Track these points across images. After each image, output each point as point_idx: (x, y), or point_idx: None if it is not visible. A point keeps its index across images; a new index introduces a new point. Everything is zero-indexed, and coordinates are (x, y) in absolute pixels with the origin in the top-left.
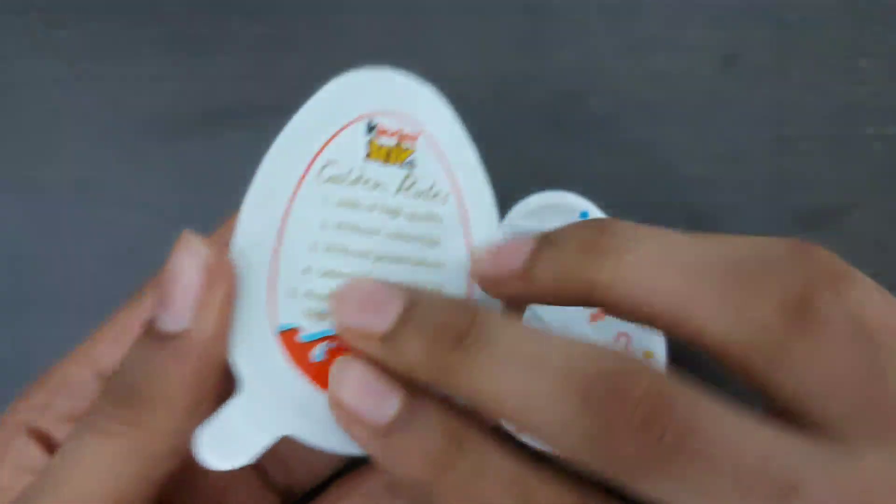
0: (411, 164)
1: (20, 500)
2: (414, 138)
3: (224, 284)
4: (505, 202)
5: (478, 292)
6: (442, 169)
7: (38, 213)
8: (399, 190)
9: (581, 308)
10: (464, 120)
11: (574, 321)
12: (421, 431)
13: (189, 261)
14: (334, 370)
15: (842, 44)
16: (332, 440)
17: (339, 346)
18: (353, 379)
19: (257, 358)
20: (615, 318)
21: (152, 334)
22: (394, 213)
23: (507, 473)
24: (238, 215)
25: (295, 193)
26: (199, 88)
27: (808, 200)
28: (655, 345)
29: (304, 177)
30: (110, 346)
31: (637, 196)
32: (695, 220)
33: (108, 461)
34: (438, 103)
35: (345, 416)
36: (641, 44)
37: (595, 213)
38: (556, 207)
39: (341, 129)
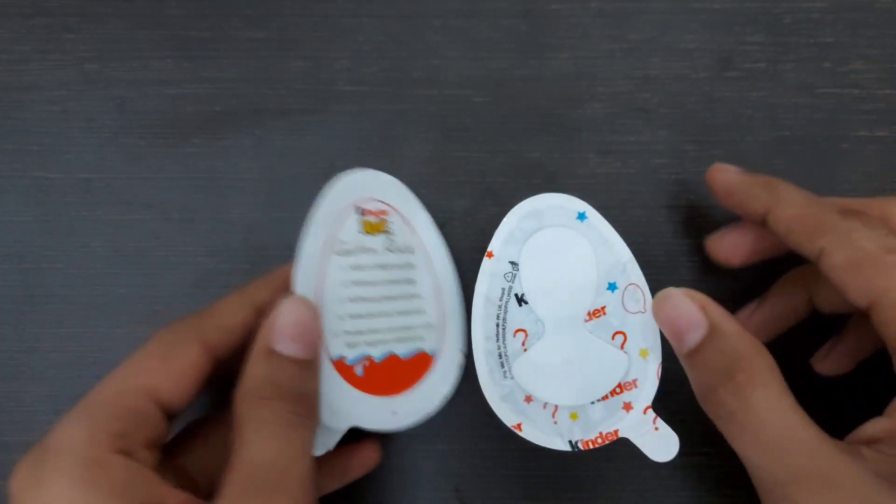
0: (389, 231)
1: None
2: (387, 213)
3: (321, 329)
4: (504, 203)
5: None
6: (408, 231)
7: (45, 213)
8: (385, 250)
9: (577, 307)
10: (462, 122)
11: (570, 320)
12: (704, 366)
13: (312, 312)
14: (658, 300)
15: (834, 47)
16: (378, 423)
17: (370, 363)
18: (669, 312)
19: (325, 381)
20: (606, 321)
21: (283, 357)
22: (384, 266)
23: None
24: (292, 283)
25: (325, 266)
26: (202, 91)
27: None
28: (650, 343)
29: (330, 255)
30: (166, 381)
31: (633, 198)
32: (691, 221)
33: (303, 443)
34: (401, 187)
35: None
36: (637, 48)
37: (592, 213)
38: (555, 209)
39: (345, 218)
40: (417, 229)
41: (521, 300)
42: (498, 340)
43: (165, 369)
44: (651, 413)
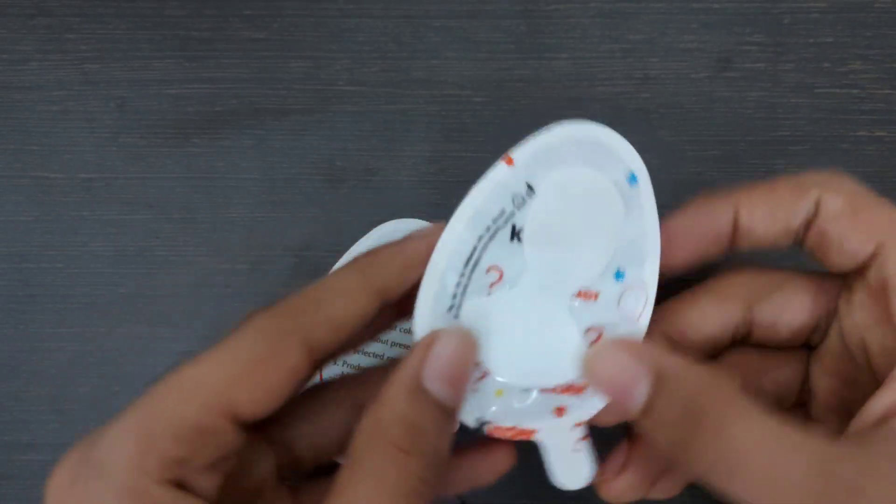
0: None
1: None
2: None
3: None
4: None
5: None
6: None
7: (45, 213)
8: None
9: (573, 276)
10: (462, 122)
11: (557, 287)
12: (663, 423)
13: (474, 358)
14: (589, 361)
15: (834, 47)
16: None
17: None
18: (605, 371)
19: None
20: (592, 309)
21: (426, 394)
22: None
23: None
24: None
25: None
26: (203, 91)
27: None
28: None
29: None
30: (250, 394)
31: None
32: None
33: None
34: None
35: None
36: (637, 48)
37: (644, 182)
38: (610, 153)
39: None
40: None
41: (515, 234)
42: (466, 266)
43: (254, 380)
44: (581, 430)
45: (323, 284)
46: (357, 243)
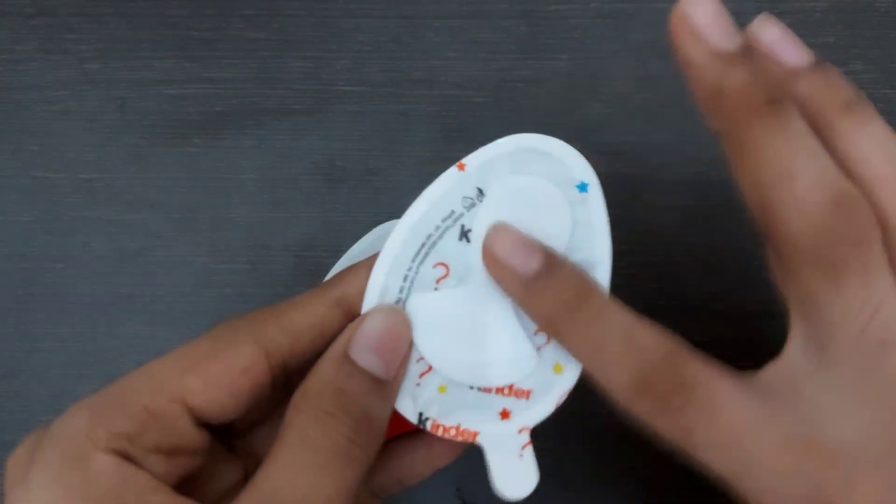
0: None
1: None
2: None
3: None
4: None
5: None
6: None
7: (46, 213)
8: None
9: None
10: (462, 122)
11: (500, 306)
12: (557, 282)
13: (406, 330)
14: (490, 231)
15: (835, 48)
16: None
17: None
18: (505, 239)
19: None
20: None
21: (356, 366)
22: None
23: (619, 319)
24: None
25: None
26: (203, 91)
27: None
28: (571, 363)
29: None
30: (202, 385)
31: (634, 198)
32: (690, 221)
33: (347, 485)
34: None
35: (497, 267)
36: (637, 48)
37: (595, 191)
38: (558, 162)
39: None
40: None
41: (464, 234)
42: (414, 260)
43: (206, 372)
44: (525, 436)
45: (289, 300)
46: (357, 243)
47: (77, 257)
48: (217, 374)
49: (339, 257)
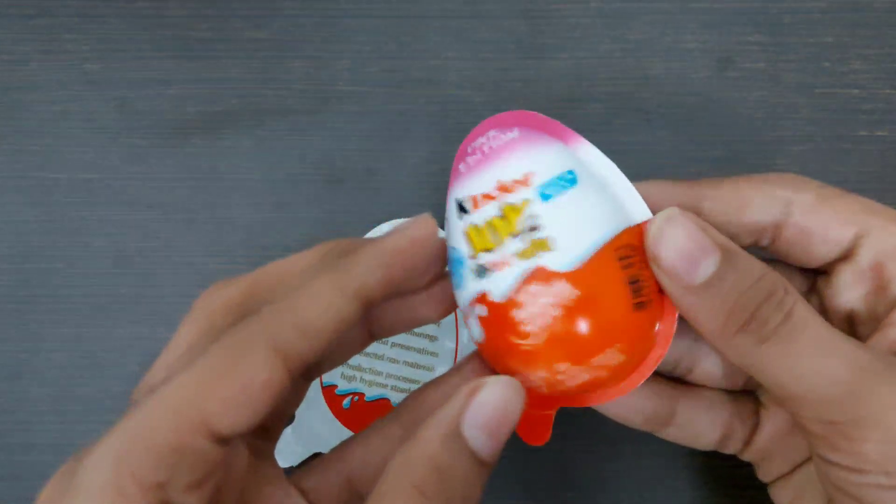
0: None
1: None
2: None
3: None
4: None
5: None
6: None
7: (45, 214)
8: None
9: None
10: (462, 122)
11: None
12: (728, 294)
13: (519, 412)
14: (656, 226)
15: (834, 47)
16: None
17: (360, 400)
18: (675, 239)
19: (309, 401)
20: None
21: (464, 443)
22: None
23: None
24: None
25: None
26: (203, 91)
27: None
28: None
29: None
30: (222, 408)
31: None
32: None
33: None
34: None
35: (663, 272)
36: (638, 48)
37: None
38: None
39: None
40: None
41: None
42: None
43: (224, 394)
44: None
45: (296, 289)
46: None
47: (77, 257)
48: (236, 394)
49: None
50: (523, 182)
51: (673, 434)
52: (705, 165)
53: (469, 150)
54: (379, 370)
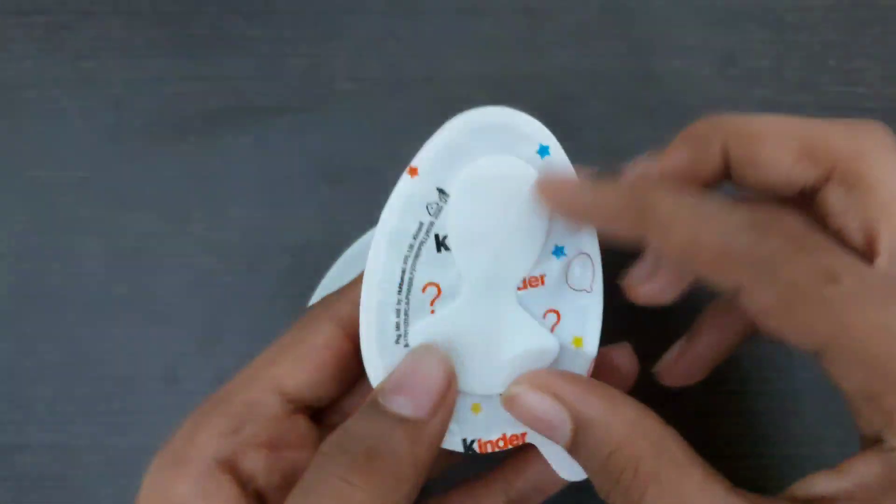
0: None
1: None
2: None
3: (455, 391)
4: None
5: None
6: None
7: (42, 212)
8: None
9: (512, 268)
10: None
11: (500, 283)
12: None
13: (436, 365)
14: (508, 400)
15: (839, 45)
16: None
17: None
18: (522, 410)
19: None
20: (542, 293)
21: (384, 410)
22: None
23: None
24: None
25: None
26: (200, 89)
27: None
28: (588, 331)
29: None
30: (291, 368)
31: None
32: None
33: None
34: None
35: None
36: (640, 45)
37: (556, 150)
38: (512, 131)
39: None
40: None
41: (441, 244)
42: (400, 292)
43: (293, 355)
44: None
45: (354, 280)
46: (356, 243)
47: (73, 257)
48: (302, 355)
49: (337, 257)
50: None
51: None
52: None
53: None
54: None
